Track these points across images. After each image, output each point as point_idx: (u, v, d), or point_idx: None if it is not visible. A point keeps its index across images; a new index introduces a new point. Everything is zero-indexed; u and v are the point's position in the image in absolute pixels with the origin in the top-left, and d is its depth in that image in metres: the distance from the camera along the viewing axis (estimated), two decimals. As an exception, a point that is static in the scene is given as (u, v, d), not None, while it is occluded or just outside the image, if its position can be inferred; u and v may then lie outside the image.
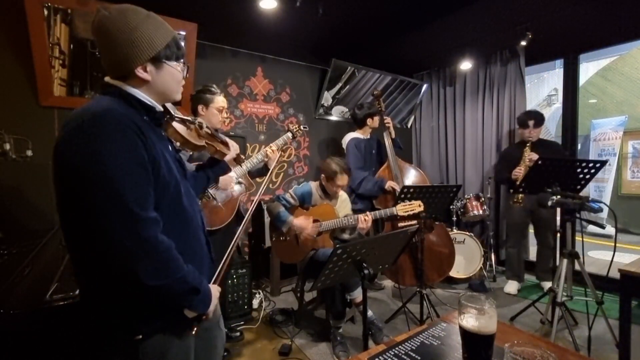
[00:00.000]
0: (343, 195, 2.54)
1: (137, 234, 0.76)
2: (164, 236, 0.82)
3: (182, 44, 0.99)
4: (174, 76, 0.92)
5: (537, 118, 2.98)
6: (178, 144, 1.05)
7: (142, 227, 0.77)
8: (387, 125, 3.11)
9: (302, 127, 2.31)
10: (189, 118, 1.09)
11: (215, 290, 0.98)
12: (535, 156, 2.84)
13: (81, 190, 0.75)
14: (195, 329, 0.95)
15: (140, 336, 0.85)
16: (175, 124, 1.02)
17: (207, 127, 1.15)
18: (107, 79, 0.88)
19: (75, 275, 0.91)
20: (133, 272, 0.77)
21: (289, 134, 2.23)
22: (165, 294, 0.83)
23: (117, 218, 0.75)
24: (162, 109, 0.95)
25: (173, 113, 1.01)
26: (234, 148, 1.28)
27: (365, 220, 2.20)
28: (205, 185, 1.27)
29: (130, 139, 0.78)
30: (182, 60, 0.94)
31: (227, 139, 1.28)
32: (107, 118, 0.78)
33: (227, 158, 1.26)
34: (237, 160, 1.35)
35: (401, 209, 2.15)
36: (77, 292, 1.23)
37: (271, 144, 2.12)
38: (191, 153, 1.88)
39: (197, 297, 0.88)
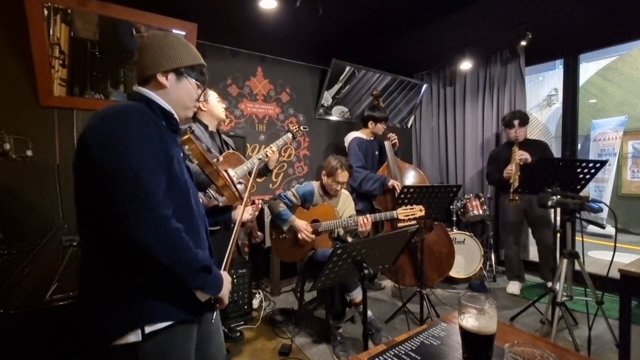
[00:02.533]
0: (345, 193, 2.53)
1: (152, 212, 0.81)
2: (174, 220, 0.86)
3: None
4: (189, 92, 1.02)
5: (522, 118, 3.01)
6: (193, 157, 1.17)
7: (157, 206, 0.82)
8: (393, 141, 3.10)
9: (302, 128, 2.33)
10: (217, 154, 1.25)
11: (226, 275, 1.02)
12: (524, 153, 2.87)
13: (105, 172, 0.81)
14: (215, 313, 1.03)
15: (141, 338, 0.86)
16: (197, 143, 1.13)
17: (227, 172, 1.26)
18: (134, 87, 0.99)
19: (82, 268, 0.93)
20: (148, 248, 0.81)
21: (289, 134, 2.25)
22: (179, 272, 0.86)
23: (135, 197, 0.80)
24: (177, 117, 1.03)
25: (199, 135, 1.16)
26: (245, 209, 1.30)
27: (364, 224, 2.19)
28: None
29: (150, 130, 0.87)
30: (202, 87, 1.06)
31: (245, 199, 1.32)
32: (132, 111, 0.87)
33: (236, 213, 1.33)
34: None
35: (402, 212, 2.13)
36: (77, 292, 1.23)
37: (271, 145, 2.14)
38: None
39: (210, 277, 0.93)
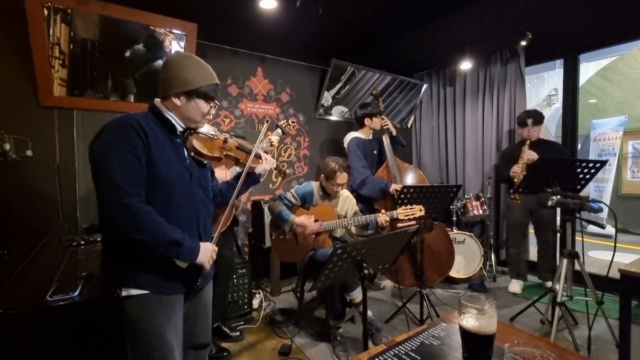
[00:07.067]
0: (345, 192, 2.52)
1: (118, 201, 1.01)
2: (144, 205, 1.05)
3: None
4: (197, 110, 1.19)
5: (536, 117, 3.00)
6: (192, 153, 1.27)
7: (123, 196, 1.02)
8: (384, 126, 3.10)
9: (290, 122, 2.37)
10: (212, 134, 1.34)
11: (208, 245, 1.19)
12: (533, 154, 2.84)
13: (93, 168, 1.05)
14: (199, 280, 1.21)
15: (123, 293, 1.08)
16: (193, 139, 1.25)
17: (235, 140, 1.40)
18: (155, 100, 1.19)
19: (102, 240, 1.22)
20: (120, 228, 1.03)
21: (279, 130, 2.31)
22: (150, 245, 1.06)
23: (106, 188, 1.02)
24: (182, 127, 1.21)
25: (196, 130, 1.27)
26: (267, 163, 1.51)
27: (384, 222, 2.20)
28: (233, 193, 1.44)
29: (130, 136, 1.05)
30: (212, 103, 1.22)
31: (263, 154, 1.51)
32: (120, 121, 1.07)
33: (259, 170, 1.50)
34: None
35: (402, 212, 2.13)
36: (77, 292, 1.24)
37: (270, 137, 2.29)
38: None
39: (182, 249, 1.09)
